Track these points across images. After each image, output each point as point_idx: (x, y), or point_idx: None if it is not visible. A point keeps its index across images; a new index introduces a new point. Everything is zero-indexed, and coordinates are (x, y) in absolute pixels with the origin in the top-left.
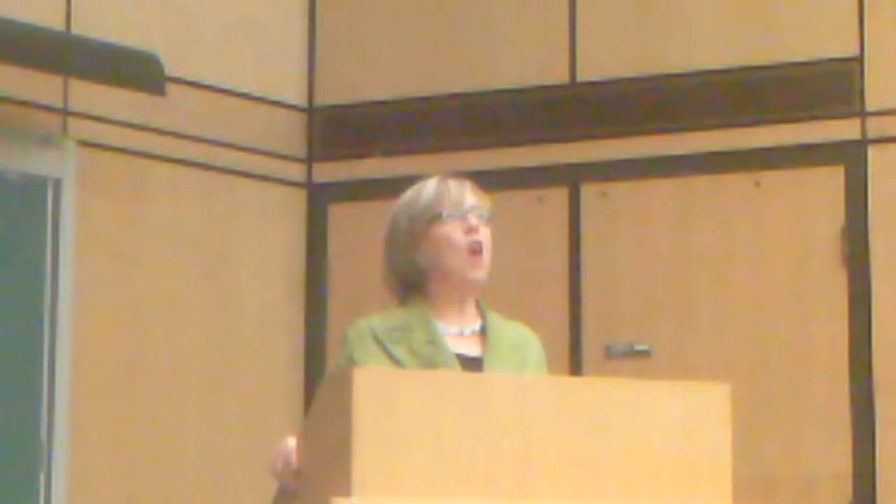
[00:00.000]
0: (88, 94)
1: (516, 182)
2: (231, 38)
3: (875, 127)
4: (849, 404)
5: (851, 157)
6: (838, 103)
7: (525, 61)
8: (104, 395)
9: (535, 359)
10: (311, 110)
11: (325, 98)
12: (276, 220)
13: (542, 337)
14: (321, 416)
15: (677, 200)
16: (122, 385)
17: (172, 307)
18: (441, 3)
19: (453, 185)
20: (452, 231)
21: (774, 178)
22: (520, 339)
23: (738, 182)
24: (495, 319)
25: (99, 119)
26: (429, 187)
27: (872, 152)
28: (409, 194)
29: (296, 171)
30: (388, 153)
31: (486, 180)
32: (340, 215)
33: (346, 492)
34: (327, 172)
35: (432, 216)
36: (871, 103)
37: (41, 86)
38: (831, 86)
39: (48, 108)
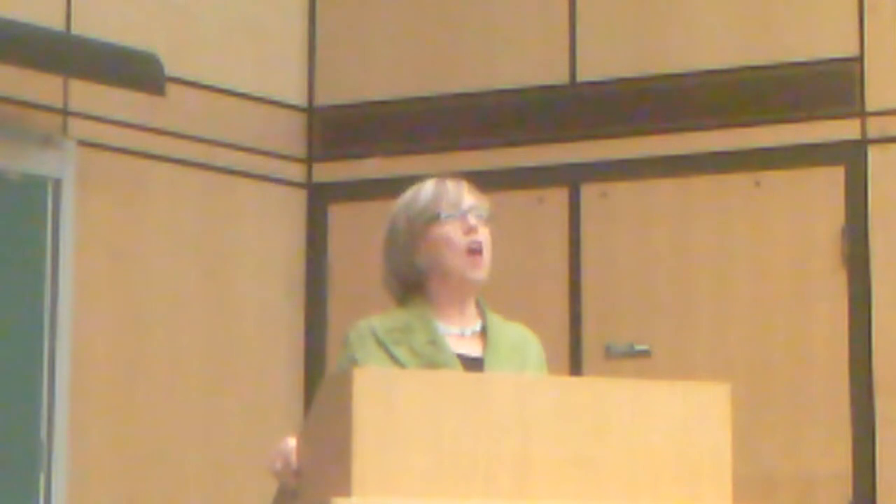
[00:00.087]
0: (88, 94)
1: (516, 182)
2: (231, 38)
3: (875, 127)
4: (849, 404)
5: (851, 157)
6: (838, 103)
7: (525, 61)
8: (104, 395)
9: (536, 359)
10: (311, 110)
11: (325, 98)
12: (276, 220)
13: (542, 337)
14: (321, 416)
15: (677, 200)
16: (122, 385)
17: (172, 307)
18: (441, 3)
19: (451, 185)
20: (451, 231)
21: (774, 178)
22: (520, 340)
23: (738, 182)
24: (495, 320)
25: (99, 119)
26: (427, 188)
27: (872, 152)
28: (407, 196)
29: (296, 171)
30: (388, 153)
31: (486, 180)
32: (340, 215)
33: (346, 492)
34: (327, 172)
35: (431, 217)
36: (871, 103)
37: (41, 86)
38: (831, 86)
39: (48, 108)
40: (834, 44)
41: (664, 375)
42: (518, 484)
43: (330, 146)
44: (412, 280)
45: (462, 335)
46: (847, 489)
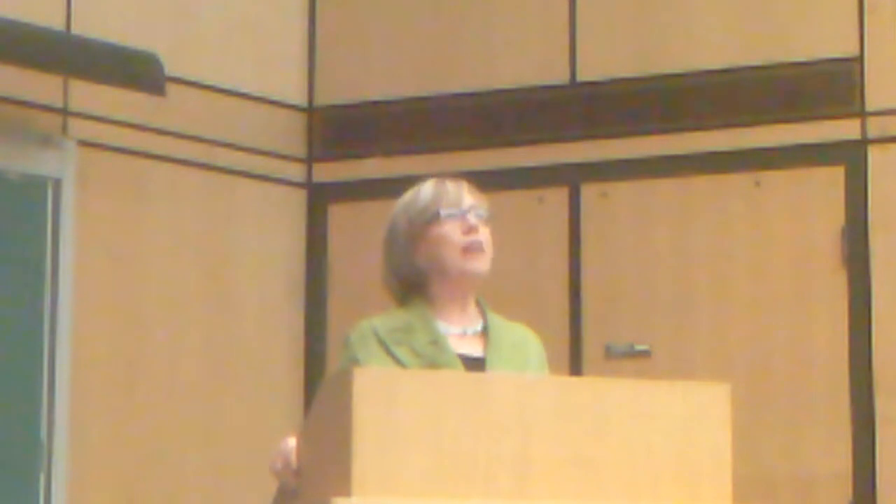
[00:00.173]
0: (88, 94)
1: (516, 182)
2: (231, 38)
3: (875, 127)
4: (849, 404)
5: (851, 157)
6: (838, 103)
7: (525, 61)
8: (104, 395)
9: (537, 359)
10: (311, 110)
11: (325, 98)
12: (276, 220)
13: (542, 337)
14: (321, 416)
15: (677, 200)
16: (122, 385)
17: (172, 307)
18: (441, 3)
19: (451, 185)
20: (451, 230)
21: (774, 178)
22: (521, 340)
23: (738, 182)
24: (496, 320)
25: (99, 119)
26: (426, 188)
27: (872, 152)
28: (407, 196)
29: (296, 171)
30: (389, 153)
31: (486, 180)
32: (340, 215)
33: (346, 492)
34: (327, 172)
35: (430, 216)
36: (871, 103)
37: (41, 86)
38: (831, 86)
39: (48, 108)
40: (834, 44)
41: (664, 375)
42: (518, 484)
43: (330, 146)
44: (412, 280)
45: (463, 335)
46: (847, 489)
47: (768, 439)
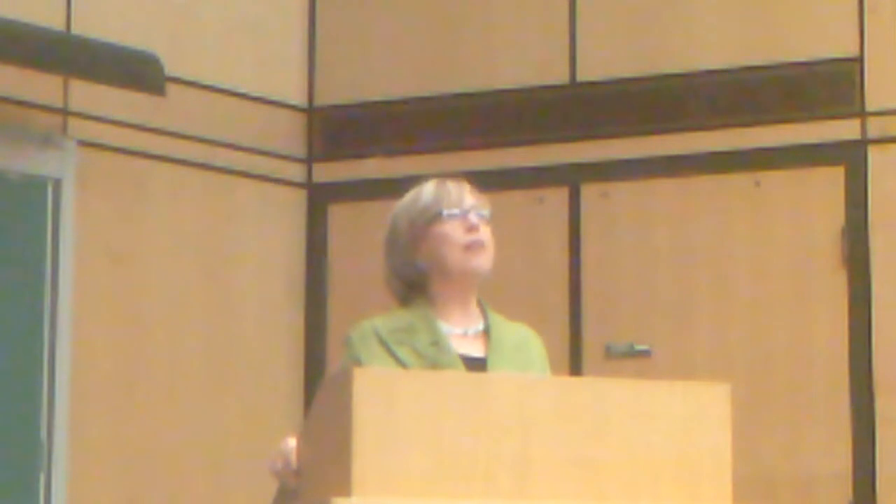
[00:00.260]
0: (88, 94)
1: (516, 182)
2: (231, 38)
3: (875, 127)
4: (849, 404)
5: (851, 157)
6: (838, 103)
7: (525, 61)
8: (104, 395)
9: (538, 358)
10: (311, 110)
11: (325, 98)
12: (276, 220)
13: (542, 337)
14: (321, 416)
15: (677, 200)
16: (122, 385)
17: (172, 307)
18: (441, 3)
19: (452, 185)
20: (452, 230)
21: (774, 178)
22: (522, 340)
23: (738, 182)
24: (498, 320)
25: (99, 119)
26: (428, 189)
27: (872, 152)
28: (408, 197)
29: (296, 171)
30: (389, 153)
31: (486, 180)
32: (340, 215)
33: (346, 492)
34: (327, 172)
35: (432, 216)
36: (871, 103)
37: (41, 86)
38: (831, 86)
39: (48, 108)
40: (834, 44)
41: (664, 375)
42: (518, 484)
43: (330, 146)
44: (414, 281)
45: (465, 335)
46: (847, 489)
47: (768, 439)
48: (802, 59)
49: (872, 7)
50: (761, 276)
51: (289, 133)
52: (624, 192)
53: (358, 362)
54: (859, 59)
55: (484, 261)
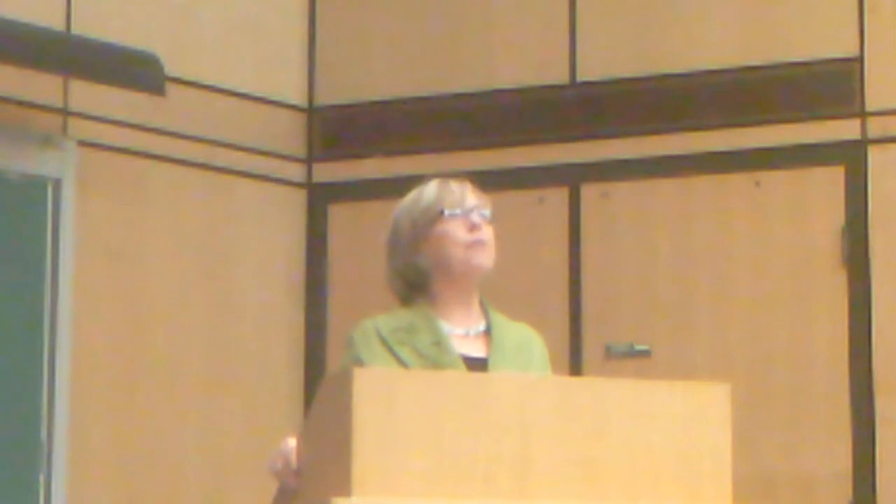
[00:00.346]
0: (88, 94)
1: (516, 182)
2: (231, 38)
3: (875, 127)
4: (849, 404)
5: (851, 157)
6: (838, 103)
7: (525, 61)
8: (104, 395)
9: (540, 358)
10: (311, 110)
11: (325, 98)
12: (276, 220)
13: (542, 337)
14: (321, 416)
15: (677, 200)
16: (122, 385)
17: (172, 307)
18: (441, 3)
19: (455, 185)
20: (454, 229)
21: (774, 178)
22: (524, 340)
23: (738, 182)
24: (499, 320)
25: (99, 119)
26: (430, 189)
27: (872, 152)
28: (410, 196)
29: (296, 171)
30: (388, 153)
31: (486, 180)
32: (340, 215)
33: (346, 492)
34: (327, 172)
35: (434, 216)
36: (871, 103)
37: (41, 86)
38: (831, 86)
39: (48, 108)
40: (834, 44)
41: (664, 375)
42: (518, 484)
43: (330, 146)
44: (416, 281)
45: (466, 335)
46: (847, 489)
47: (768, 439)
48: (802, 59)
49: (872, 7)
50: (761, 276)
51: (289, 133)
52: (624, 192)
53: (359, 362)
54: (859, 59)
55: (486, 260)
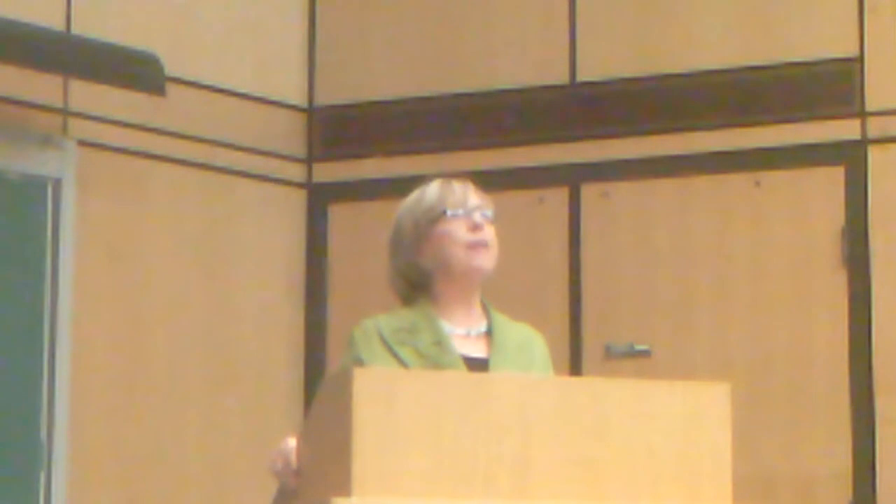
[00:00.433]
0: (88, 94)
1: (516, 182)
2: (231, 38)
3: (875, 127)
4: (849, 404)
5: (851, 157)
6: (838, 103)
7: (525, 61)
8: (104, 395)
9: (541, 359)
10: (311, 110)
11: (325, 98)
12: (276, 220)
13: (543, 337)
14: (321, 416)
15: (677, 200)
16: (122, 385)
17: (172, 307)
18: (441, 3)
19: (457, 185)
20: (455, 228)
21: (774, 178)
22: (525, 340)
23: (738, 182)
24: (501, 320)
25: (99, 119)
26: (432, 189)
27: (872, 152)
28: (412, 196)
29: (296, 171)
30: (388, 153)
31: (486, 180)
32: (340, 215)
33: (346, 492)
34: (327, 172)
35: (436, 216)
36: (871, 103)
37: (41, 86)
38: (831, 86)
39: (48, 108)
40: (834, 44)
41: (664, 375)
42: (518, 484)
43: (330, 146)
44: (418, 281)
45: (467, 336)
46: (847, 489)
47: (768, 439)
48: (802, 59)
49: (872, 7)
50: (761, 276)
51: (289, 133)
52: (624, 192)
53: (359, 361)
54: (859, 59)
55: (487, 260)
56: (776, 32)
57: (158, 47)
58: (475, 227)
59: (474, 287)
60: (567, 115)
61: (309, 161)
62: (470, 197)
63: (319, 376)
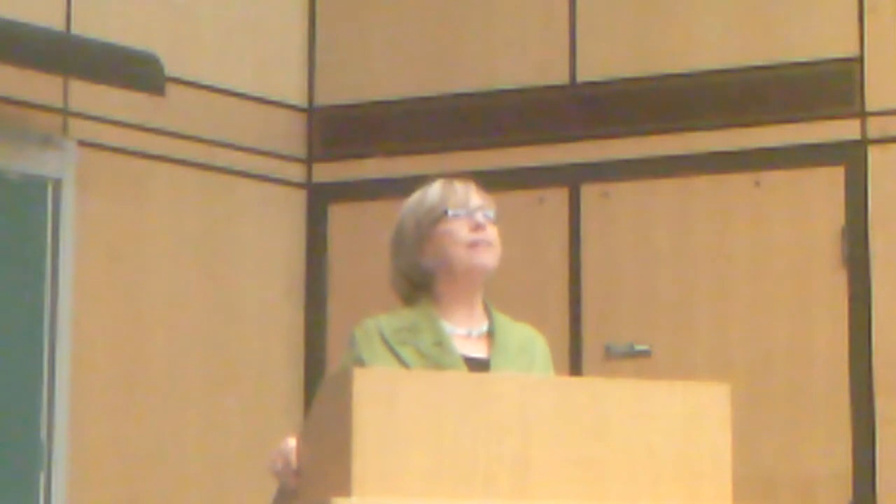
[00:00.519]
0: (88, 94)
1: (516, 182)
2: (231, 38)
3: (875, 127)
4: (849, 404)
5: (851, 157)
6: (838, 103)
7: (525, 61)
8: (104, 395)
9: (542, 359)
10: (311, 110)
11: (325, 98)
12: (276, 220)
13: (544, 337)
14: (321, 416)
15: (677, 200)
16: (122, 385)
17: (172, 307)
18: (441, 3)
19: (459, 185)
20: (457, 228)
21: (774, 178)
22: (527, 341)
23: (738, 182)
24: (502, 321)
25: (99, 119)
26: (434, 189)
27: (872, 152)
28: (414, 197)
29: (296, 171)
30: (388, 153)
31: (486, 180)
32: (340, 215)
33: (346, 492)
34: (327, 172)
35: (438, 216)
36: (871, 103)
37: (41, 86)
38: (831, 86)
39: (48, 108)
40: (834, 44)
41: (664, 375)
42: (518, 484)
43: (330, 146)
44: (419, 281)
45: (468, 336)
46: (847, 489)
47: (768, 439)
48: (802, 59)
49: (872, 7)
50: (761, 276)
51: (289, 133)
52: (624, 192)
53: (360, 361)
54: (859, 59)
55: (489, 259)
56: (776, 32)
57: (158, 47)
58: (477, 227)
59: (476, 287)
60: (567, 115)
61: (309, 161)
62: (472, 197)
63: (319, 376)
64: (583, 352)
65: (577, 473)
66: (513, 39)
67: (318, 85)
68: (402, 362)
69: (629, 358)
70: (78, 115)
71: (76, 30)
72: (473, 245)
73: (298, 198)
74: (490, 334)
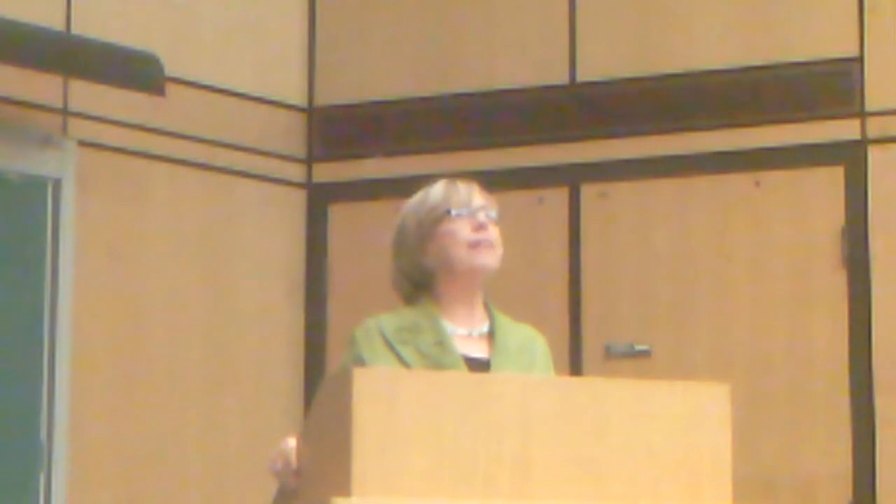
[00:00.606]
0: (88, 94)
1: (516, 182)
2: (231, 38)
3: (875, 127)
4: (849, 404)
5: (851, 157)
6: (838, 103)
7: (525, 61)
8: (104, 395)
9: (542, 359)
10: (311, 110)
11: (325, 98)
12: (276, 220)
13: (545, 338)
14: (321, 416)
15: (677, 200)
16: (122, 385)
17: (172, 307)
18: (441, 3)
19: (461, 185)
20: (459, 228)
21: (774, 178)
22: (527, 341)
23: (737, 182)
24: (503, 321)
25: (99, 119)
26: (437, 188)
27: (872, 152)
28: (416, 197)
29: (296, 171)
30: (388, 153)
31: (486, 180)
32: (340, 215)
33: (346, 492)
34: (327, 172)
35: (440, 215)
36: (871, 103)
37: (41, 86)
38: (831, 86)
39: (48, 108)
40: (834, 44)
41: (664, 375)
42: (518, 484)
43: (330, 146)
44: (421, 281)
45: (469, 336)
46: (847, 489)
47: (768, 439)
48: (802, 59)
49: (872, 7)
50: (761, 276)
51: (289, 133)
52: (624, 192)
53: (360, 361)
54: (859, 59)
55: (490, 259)
56: (776, 32)
57: (158, 47)
58: (479, 227)
59: (477, 287)
60: (567, 115)
61: (309, 161)
62: (474, 197)
63: (319, 376)
64: (583, 352)
65: (577, 473)
66: (513, 39)
67: (317, 85)
68: (403, 361)
69: (629, 358)
70: (78, 115)
71: (76, 30)
72: (475, 245)
73: (298, 198)
74: (491, 334)
